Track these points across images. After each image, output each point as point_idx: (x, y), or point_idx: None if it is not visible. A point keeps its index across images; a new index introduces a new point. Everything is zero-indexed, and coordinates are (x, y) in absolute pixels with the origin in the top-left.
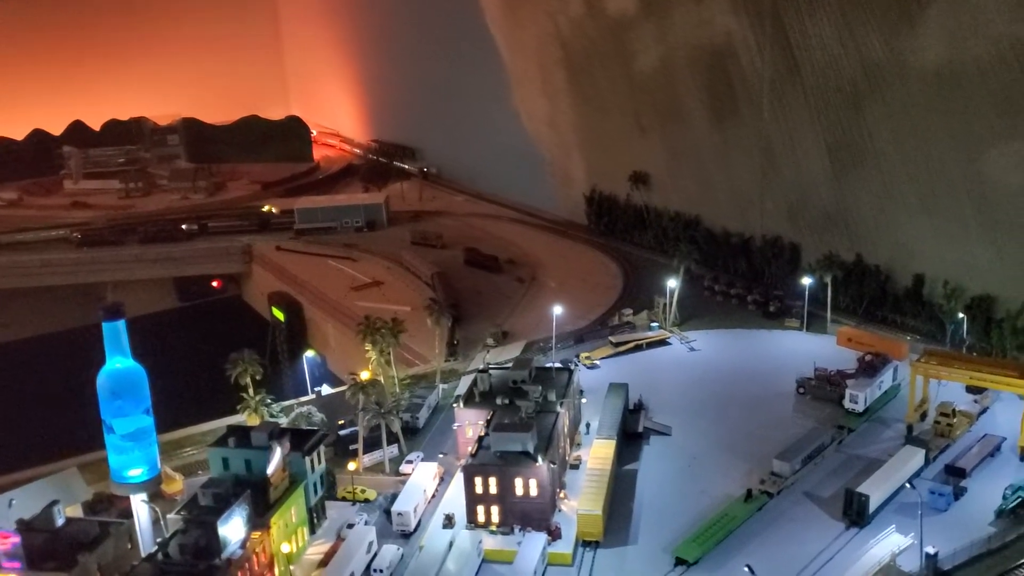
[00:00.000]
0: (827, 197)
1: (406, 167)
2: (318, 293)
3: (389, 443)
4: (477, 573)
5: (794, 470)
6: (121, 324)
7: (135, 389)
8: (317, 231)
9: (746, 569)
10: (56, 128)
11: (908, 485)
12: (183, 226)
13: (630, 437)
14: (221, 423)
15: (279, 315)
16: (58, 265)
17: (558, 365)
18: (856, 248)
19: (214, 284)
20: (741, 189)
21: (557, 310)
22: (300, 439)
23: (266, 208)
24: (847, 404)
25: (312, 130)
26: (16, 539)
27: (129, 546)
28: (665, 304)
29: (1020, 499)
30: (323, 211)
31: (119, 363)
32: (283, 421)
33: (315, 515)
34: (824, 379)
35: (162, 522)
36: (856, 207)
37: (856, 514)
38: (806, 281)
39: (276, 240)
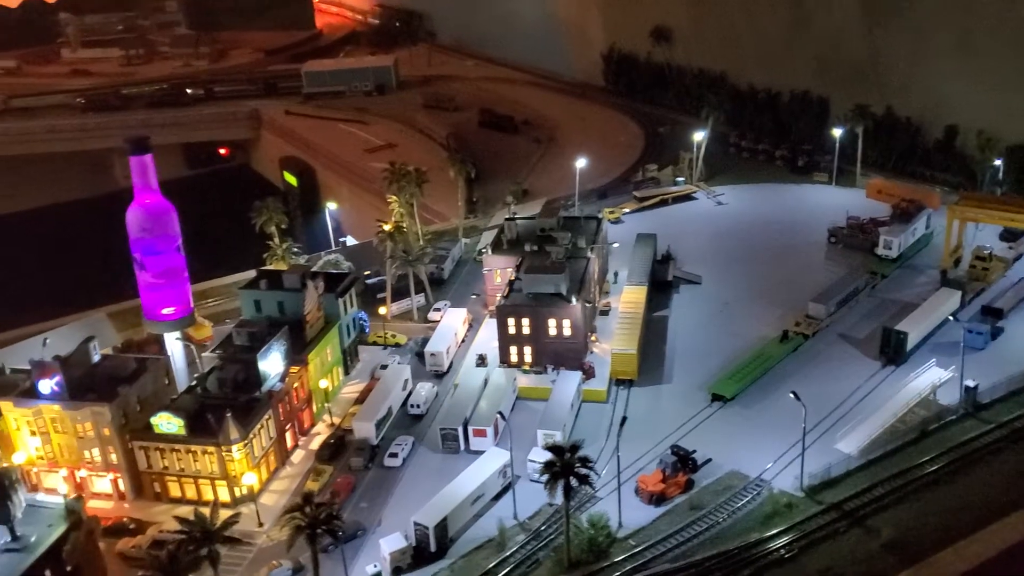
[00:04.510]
0: (858, 47)
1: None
2: (331, 156)
3: (416, 292)
4: (512, 408)
5: (829, 312)
6: (148, 158)
7: (165, 225)
8: (326, 95)
9: (791, 395)
10: None
11: (952, 318)
12: (188, 90)
13: (659, 286)
14: (246, 275)
15: (291, 180)
16: (64, 131)
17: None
18: (887, 100)
19: (221, 152)
20: (768, 43)
21: (580, 163)
22: (332, 282)
23: None
24: (880, 251)
25: None
26: (57, 373)
27: (167, 382)
28: (691, 159)
29: None
30: (332, 74)
31: (148, 199)
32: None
33: (348, 357)
34: (857, 227)
35: (198, 362)
36: (888, 57)
37: (894, 351)
38: (836, 133)
39: (284, 105)
